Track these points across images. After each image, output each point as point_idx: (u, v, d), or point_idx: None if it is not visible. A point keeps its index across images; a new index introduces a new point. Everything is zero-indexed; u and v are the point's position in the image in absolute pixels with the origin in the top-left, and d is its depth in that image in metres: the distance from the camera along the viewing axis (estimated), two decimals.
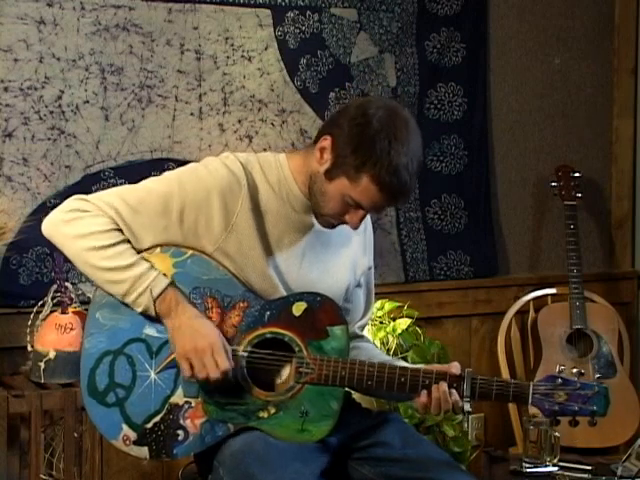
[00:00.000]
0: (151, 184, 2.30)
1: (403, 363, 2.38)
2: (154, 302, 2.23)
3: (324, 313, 2.27)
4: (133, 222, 2.26)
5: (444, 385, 2.22)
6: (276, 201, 2.32)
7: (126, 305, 2.26)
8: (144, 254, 2.27)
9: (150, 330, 2.27)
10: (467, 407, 2.22)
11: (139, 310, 2.25)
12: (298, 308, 2.27)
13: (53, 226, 2.27)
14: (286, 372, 2.28)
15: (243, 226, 2.28)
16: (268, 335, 2.26)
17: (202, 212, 2.26)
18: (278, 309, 2.28)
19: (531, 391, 2.23)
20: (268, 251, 2.30)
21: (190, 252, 2.29)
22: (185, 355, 2.22)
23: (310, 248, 2.35)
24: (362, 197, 2.21)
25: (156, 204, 2.26)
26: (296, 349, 2.26)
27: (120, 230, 2.26)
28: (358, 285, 2.48)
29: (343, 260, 2.41)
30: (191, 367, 2.21)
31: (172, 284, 2.25)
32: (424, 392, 2.23)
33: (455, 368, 2.25)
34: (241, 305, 2.27)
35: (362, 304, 2.51)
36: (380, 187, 2.18)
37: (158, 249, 2.28)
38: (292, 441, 2.22)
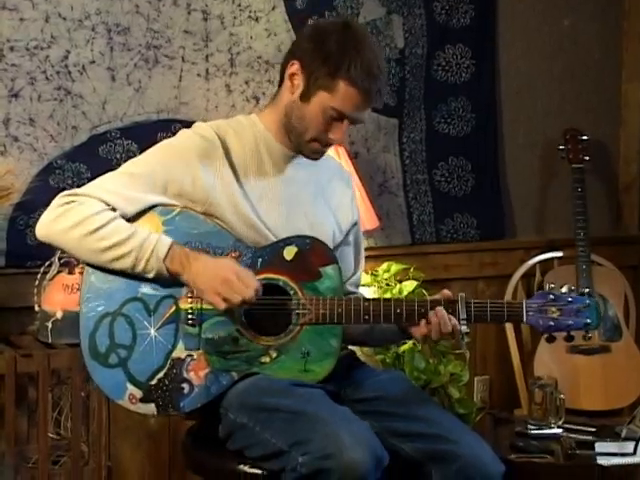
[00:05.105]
0: (131, 168, 2.33)
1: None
2: (164, 263, 2.24)
3: (315, 255, 2.32)
4: (120, 201, 2.27)
5: (441, 309, 2.26)
6: (254, 159, 2.36)
7: None
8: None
9: (146, 288, 2.29)
10: (464, 328, 2.25)
11: (152, 276, 2.26)
12: (289, 252, 2.31)
13: (46, 227, 2.27)
14: (284, 315, 2.30)
15: (226, 183, 2.32)
16: (262, 281, 2.28)
17: (187, 177, 2.30)
18: (270, 255, 2.31)
19: (525, 308, 2.27)
20: (253, 207, 2.33)
21: (177, 209, 2.32)
22: (213, 290, 2.23)
23: (295, 201, 2.39)
24: (343, 104, 2.28)
25: (141, 184, 2.29)
26: (291, 292, 2.30)
27: (112, 209, 2.26)
28: (346, 243, 2.51)
29: (326, 212, 2.45)
30: (224, 300, 2.22)
31: (175, 242, 2.26)
32: (422, 321, 2.27)
33: (447, 293, 2.30)
34: (233, 255, 2.30)
35: (352, 262, 2.54)
36: (357, 87, 2.27)
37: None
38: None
